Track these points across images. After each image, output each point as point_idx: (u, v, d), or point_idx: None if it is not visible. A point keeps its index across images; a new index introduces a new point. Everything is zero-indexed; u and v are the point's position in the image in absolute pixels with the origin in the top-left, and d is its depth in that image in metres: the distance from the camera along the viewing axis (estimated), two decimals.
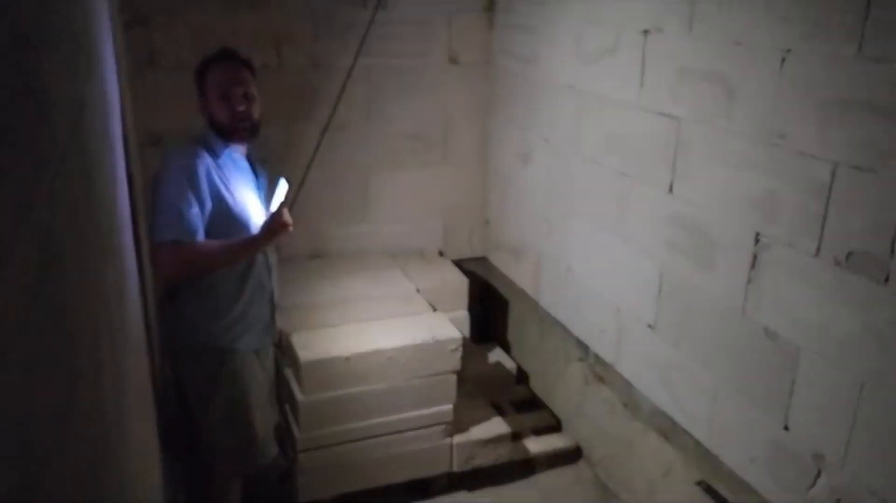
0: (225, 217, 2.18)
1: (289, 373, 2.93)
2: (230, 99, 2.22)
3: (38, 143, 0.78)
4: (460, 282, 3.56)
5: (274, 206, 2.28)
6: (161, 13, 3.15)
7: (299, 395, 2.79)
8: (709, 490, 2.51)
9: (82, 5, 1.38)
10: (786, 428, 2.18)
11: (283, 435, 2.77)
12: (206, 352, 2.26)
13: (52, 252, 0.76)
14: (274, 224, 2.23)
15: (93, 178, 1.19)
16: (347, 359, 2.80)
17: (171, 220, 2.07)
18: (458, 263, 3.83)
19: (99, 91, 1.52)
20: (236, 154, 2.30)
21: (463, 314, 3.50)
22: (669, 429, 2.74)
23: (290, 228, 2.26)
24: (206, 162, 2.16)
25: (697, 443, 2.58)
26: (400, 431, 2.95)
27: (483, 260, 4.10)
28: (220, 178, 2.19)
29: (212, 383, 2.27)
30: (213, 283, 2.24)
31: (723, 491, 2.47)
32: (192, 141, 2.24)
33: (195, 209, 2.10)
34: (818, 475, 2.08)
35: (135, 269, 1.90)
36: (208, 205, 2.14)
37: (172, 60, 3.19)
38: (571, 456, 3.32)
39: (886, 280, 1.83)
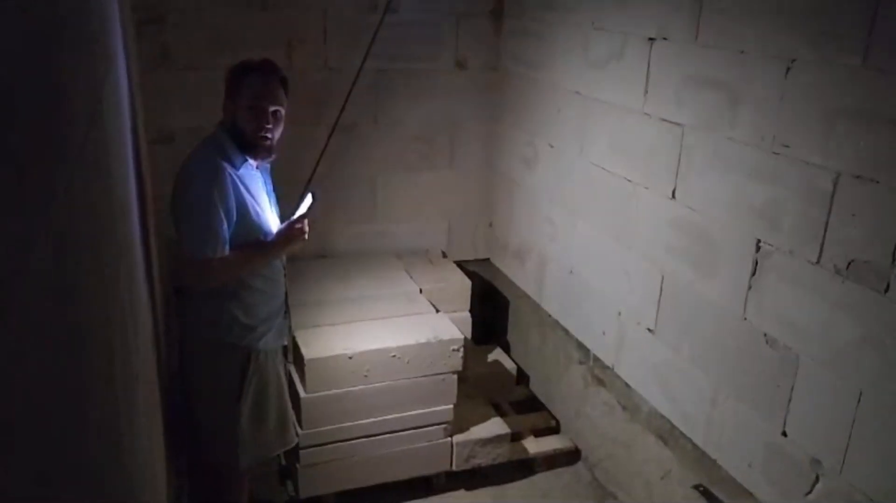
0: (246, 225, 2.23)
1: (292, 369, 2.96)
2: (260, 112, 2.20)
3: (58, 138, 0.81)
4: (463, 284, 3.58)
5: (295, 216, 2.34)
6: (175, 12, 3.18)
7: (302, 392, 2.82)
8: (706, 494, 2.53)
9: (98, 3, 1.41)
10: (784, 433, 2.20)
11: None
12: (235, 351, 2.29)
13: (69, 247, 0.79)
14: (291, 232, 2.30)
15: (107, 174, 1.22)
16: (350, 357, 2.83)
17: (202, 237, 2.13)
18: (462, 265, 3.86)
19: (113, 88, 1.55)
20: (250, 163, 2.32)
21: (465, 315, 3.52)
22: (668, 433, 2.76)
23: (306, 237, 2.33)
24: (229, 175, 2.17)
25: (695, 447, 2.60)
26: (401, 430, 2.98)
27: (486, 262, 4.13)
28: (243, 189, 2.21)
29: (241, 382, 2.30)
30: (242, 285, 2.28)
31: (720, 495, 2.49)
32: (211, 149, 2.21)
33: (224, 224, 2.14)
34: (816, 481, 2.10)
35: (143, 265, 1.92)
36: (234, 217, 2.18)
37: (185, 59, 3.23)
38: (570, 457, 3.34)
39: (886, 289, 1.85)
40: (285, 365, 2.94)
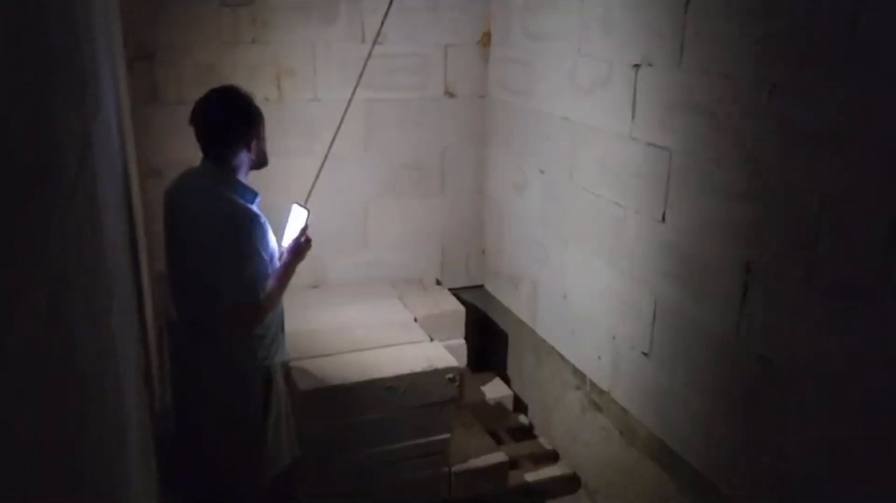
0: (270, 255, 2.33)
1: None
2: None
3: (50, 182, 0.81)
4: (457, 311, 3.58)
5: (295, 231, 2.44)
6: (164, 49, 3.22)
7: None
8: None
9: (90, 44, 1.43)
10: (782, 454, 2.19)
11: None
12: (258, 372, 2.33)
13: (62, 286, 0.79)
14: (301, 247, 2.41)
15: (97, 213, 1.22)
16: (345, 387, 2.81)
17: (252, 284, 2.19)
18: (456, 292, 3.86)
19: (103, 127, 1.57)
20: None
21: (460, 342, 3.52)
22: (666, 457, 2.74)
23: (311, 244, 2.44)
24: (259, 214, 2.23)
25: (694, 471, 2.58)
26: (398, 460, 2.95)
27: (480, 288, 4.13)
28: (266, 223, 2.30)
29: (265, 401, 2.36)
30: None
31: None
32: (232, 193, 2.23)
33: (266, 263, 2.23)
34: None
35: (134, 302, 1.92)
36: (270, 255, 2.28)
37: (175, 95, 3.25)
38: (570, 484, 3.32)
39: (876, 307, 1.86)
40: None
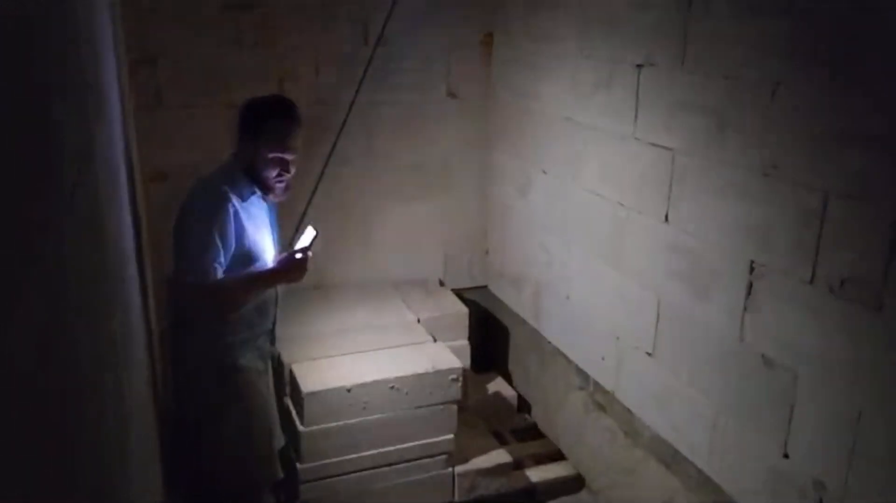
0: (243, 254, 2.26)
1: (289, 403, 2.95)
2: (283, 163, 2.25)
3: (50, 183, 0.82)
4: (461, 312, 3.58)
5: (296, 246, 2.36)
6: (167, 53, 3.22)
7: (301, 426, 2.80)
8: None
9: (92, 49, 1.44)
10: (786, 455, 2.18)
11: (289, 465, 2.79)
12: (218, 369, 2.32)
13: (61, 291, 0.79)
14: (293, 263, 2.31)
15: (99, 215, 1.23)
16: (349, 389, 2.82)
17: (198, 263, 2.15)
18: (459, 293, 3.86)
19: (106, 131, 1.57)
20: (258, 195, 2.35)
21: (463, 343, 3.52)
22: (670, 457, 2.74)
23: (307, 271, 2.33)
24: (233, 205, 2.21)
25: (698, 471, 2.58)
26: (402, 461, 2.95)
27: (484, 289, 4.13)
28: (244, 219, 2.25)
29: (224, 397, 2.33)
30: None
31: None
32: (222, 177, 2.26)
33: (220, 252, 2.18)
34: None
35: (140, 303, 1.93)
36: (232, 246, 2.22)
37: (178, 99, 3.26)
38: (573, 485, 3.31)
39: (880, 308, 1.85)
40: (283, 398, 2.94)
